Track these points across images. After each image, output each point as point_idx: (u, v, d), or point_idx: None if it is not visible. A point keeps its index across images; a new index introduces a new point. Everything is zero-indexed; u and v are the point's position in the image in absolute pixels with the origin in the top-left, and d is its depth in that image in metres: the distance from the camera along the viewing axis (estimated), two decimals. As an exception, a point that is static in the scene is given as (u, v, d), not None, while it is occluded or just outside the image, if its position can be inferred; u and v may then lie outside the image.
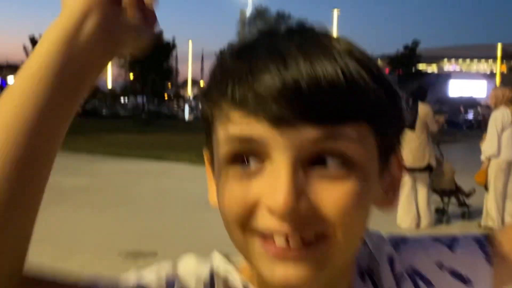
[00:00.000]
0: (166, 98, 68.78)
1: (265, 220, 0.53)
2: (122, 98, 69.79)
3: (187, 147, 18.83)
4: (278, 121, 0.51)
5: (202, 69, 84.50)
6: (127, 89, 65.46)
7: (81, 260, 5.95)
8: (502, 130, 7.30)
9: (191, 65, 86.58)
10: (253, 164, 0.54)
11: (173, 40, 57.15)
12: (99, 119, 40.99)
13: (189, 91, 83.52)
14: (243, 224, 0.55)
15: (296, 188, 0.51)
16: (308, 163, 0.53)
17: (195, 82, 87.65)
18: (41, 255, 6.40)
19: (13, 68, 68.87)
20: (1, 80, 71.46)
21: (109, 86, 77.56)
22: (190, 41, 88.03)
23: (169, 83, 66.86)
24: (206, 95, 0.61)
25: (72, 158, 15.38)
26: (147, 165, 14.55)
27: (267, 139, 0.52)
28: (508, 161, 7.36)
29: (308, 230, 0.53)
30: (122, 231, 7.39)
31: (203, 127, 0.63)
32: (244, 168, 0.54)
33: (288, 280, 0.53)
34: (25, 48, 55.75)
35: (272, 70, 0.51)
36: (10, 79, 72.48)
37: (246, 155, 0.54)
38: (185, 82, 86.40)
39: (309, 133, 0.51)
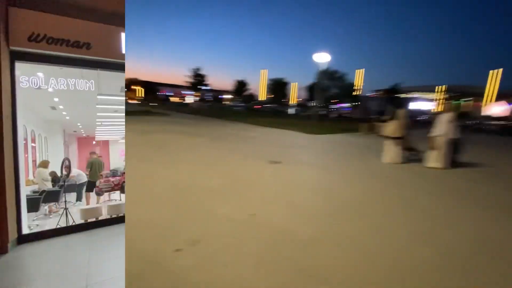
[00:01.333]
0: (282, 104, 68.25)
1: None
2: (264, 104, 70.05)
3: (290, 124, 18.89)
4: None
5: (296, 92, 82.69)
6: (268, 100, 66.11)
7: (250, 163, 5.97)
8: (445, 123, 6.73)
9: (292, 91, 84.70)
10: None
11: (287, 81, 59.47)
12: (256, 112, 41.53)
13: (291, 101, 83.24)
14: None
15: None
16: None
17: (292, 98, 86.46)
18: (233, 159, 6.78)
19: (229, 93, 67.41)
20: (220, 96, 70.81)
21: (260, 98, 78.87)
22: (292, 84, 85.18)
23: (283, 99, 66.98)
24: None
25: (251, 127, 15.78)
26: (277, 131, 14.45)
27: None
28: (446, 138, 6.71)
29: None
30: (268, 153, 7.44)
31: None
32: None
33: None
34: (234, 86, 58.70)
35: None
36: (225, 99, 69.27)
37: None
38: (289, 98, 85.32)
39: None
